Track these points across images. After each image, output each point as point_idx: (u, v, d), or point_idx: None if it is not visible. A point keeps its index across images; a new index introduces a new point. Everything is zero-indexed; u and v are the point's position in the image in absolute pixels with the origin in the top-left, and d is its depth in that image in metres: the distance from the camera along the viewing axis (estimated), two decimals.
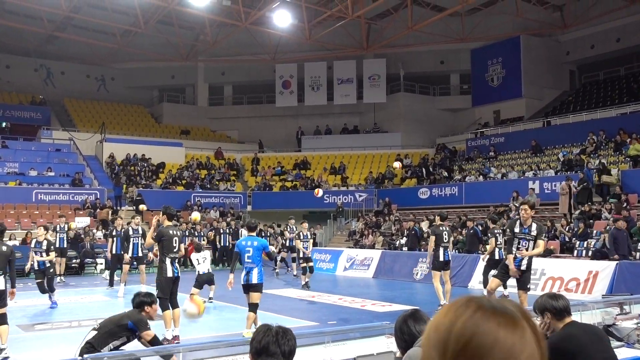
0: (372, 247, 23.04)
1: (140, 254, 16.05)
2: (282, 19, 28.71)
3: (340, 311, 12.42)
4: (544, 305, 4.09)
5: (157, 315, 7.17)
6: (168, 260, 9.12)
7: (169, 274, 9.05)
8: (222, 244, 24.17)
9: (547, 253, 17.30)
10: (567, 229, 18.03)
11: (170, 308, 9.07)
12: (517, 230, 9.28)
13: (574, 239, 17.47)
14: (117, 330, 6.30)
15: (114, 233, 16.64)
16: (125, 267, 15.87)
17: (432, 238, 12.45)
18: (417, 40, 32.87)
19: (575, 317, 4.62)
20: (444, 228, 12.57)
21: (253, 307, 9.16)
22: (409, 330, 3.27)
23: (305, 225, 17.62)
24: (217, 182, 31.45)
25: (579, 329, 3.95)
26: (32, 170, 27.50)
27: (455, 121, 36.06)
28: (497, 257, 13.26)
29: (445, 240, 12.36)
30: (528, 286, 9.47)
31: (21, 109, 34.36)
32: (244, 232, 8.69)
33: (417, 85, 36.42)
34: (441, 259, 12.29)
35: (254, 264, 9.14)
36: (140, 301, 6.61)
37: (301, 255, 17.43)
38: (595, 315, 6.90)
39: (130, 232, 15.94)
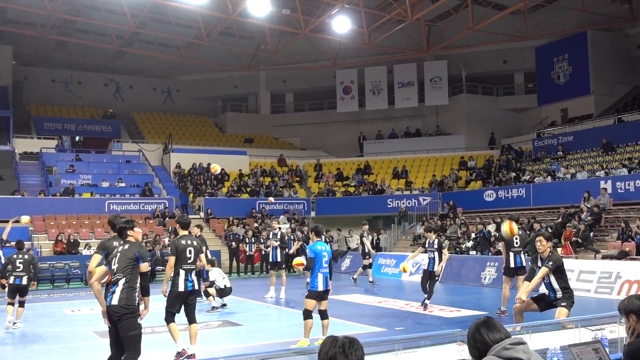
0: None
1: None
2: (342, 25, 28.78)
3: (407, 317, 12.32)
4: (630, 306, 3.80)
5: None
6: (182, 273, 8.38)
7: (181, 288, 8.33)
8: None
9: (622, 255, 16.67)
10: None
11: (188, 323, 8.51)
12: None
13: None
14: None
15: None
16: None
17: (502, 244, 12.09)
18: (478, 40, 32.32)
19: None
20: None
21: (326, 314, 9.21)
22: (482, 339, 3.23)
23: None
24: (280, 189, 31.78)
25: None
26: (104, 182, 28.55)
27: (521, 121, 35.22)
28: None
29: (516, 245, 11.95)
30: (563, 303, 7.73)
31: (93, 122, 35.85)
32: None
33: (480, 85, 35.80)
34: (512, 265, 11.90)
35: (328, 269, 9.09)
36: (121, 228, 6.23)
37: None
38: None
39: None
